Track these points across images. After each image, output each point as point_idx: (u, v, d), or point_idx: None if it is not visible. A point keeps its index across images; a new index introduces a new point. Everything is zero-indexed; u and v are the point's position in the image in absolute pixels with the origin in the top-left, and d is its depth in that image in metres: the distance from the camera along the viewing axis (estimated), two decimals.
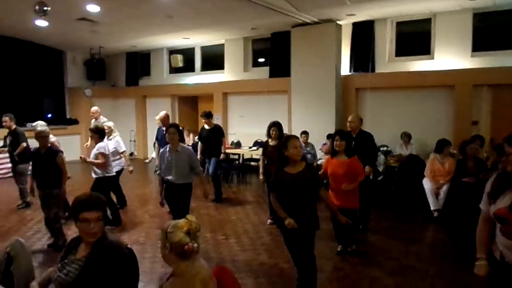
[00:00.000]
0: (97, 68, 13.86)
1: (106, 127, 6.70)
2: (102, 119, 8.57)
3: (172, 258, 2.21)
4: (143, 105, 13.94)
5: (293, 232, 3.62)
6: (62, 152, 5.59)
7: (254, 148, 10.02)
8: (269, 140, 6.37)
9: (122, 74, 14.36)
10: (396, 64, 9.21)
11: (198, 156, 7.98)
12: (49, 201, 5.34)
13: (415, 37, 9.27)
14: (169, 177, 5.08)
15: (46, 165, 5.32)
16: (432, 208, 6.60)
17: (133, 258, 2.57)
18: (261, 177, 6.49)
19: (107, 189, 6.16)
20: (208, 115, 7.96)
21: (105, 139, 6.37)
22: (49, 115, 11.83)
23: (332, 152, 5.07)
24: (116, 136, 7.13)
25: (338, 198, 4.82)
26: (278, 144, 5.50)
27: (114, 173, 6.47)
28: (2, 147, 9.31)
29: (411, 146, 8.41)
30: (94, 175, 6.21)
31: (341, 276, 4.54)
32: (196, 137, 11.18)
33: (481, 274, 2.53)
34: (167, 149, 5.13)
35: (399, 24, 9.29)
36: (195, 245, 2.20)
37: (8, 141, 7.60)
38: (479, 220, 2.67)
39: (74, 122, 13.52)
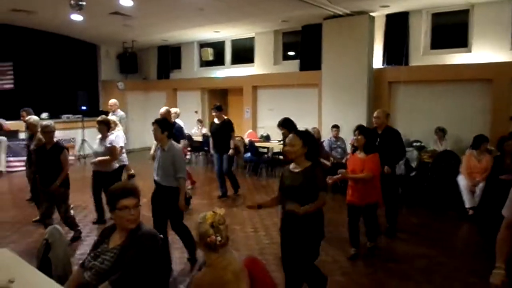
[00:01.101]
0: (130, 62, 14.13)
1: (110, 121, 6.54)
2: (119, 112, 8.67)
3: (203, 249, 2.23)
4: (174, 98, 14.10)
5: (287, 237, 3.44)
6: (67, 149, 5.41)
7: (283, 141, 9.96)
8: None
9: (153, 68, 14.58)
10: (431, 57, 8.93)
11: (211, 151, 7.94)
12: (55, 199, 5.20)
13: (451, 29, 8.95)
14: (155, 177, 4.68)
15: (51, 161, 5.16)
16: (467, 206, 6.41)
17: (166, 247, 2.61)
18: None
19: (110, 183, 5.73)
20: (219, 108, 7.54)
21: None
22: (84, 107, 12.12)
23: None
24: (120, 131, 6.79)
25: (356, 195, 4.70)
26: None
27: (117, 167, 6.21)
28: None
29: (446, 141, 8.17)
30: (98, 169, 6.02)
31: (371, 272, 4.48)
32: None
33: (496, 283, 2.36)
34: (158, 146, 4.77)
35: (435, 16, 8.98)
36: (218, 238, 2.20)
37: (27, 135, 7.55)
38: (501, 227, 2.45)
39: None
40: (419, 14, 8.97)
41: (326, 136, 8.90)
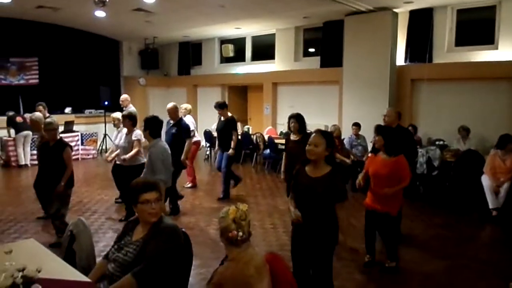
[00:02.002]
0: (151, 58, 14.26)
1: (113, 119, 6.83)
2: (131, 107, 8.63)
3: (225, 243, 2.25)
4: (194, 94, 14.19)
5: (300, 241, 3.24)
6: (70, 146, 5.29)
7: (285, 144, 9.87)
8: (291, 134, 5.72)
9: (174, 64, 14.69)
10: (455, 54, 8.75)
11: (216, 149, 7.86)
12: (52, 195, 5.02)
13: (477, 25, 8.76)
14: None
15: (54, 158, 5.06)
16: (490, 207, 6.27)
17: (187, 241, 2.64)
18: (282, 176, 5.96)
19: (133, 177, 5.81)
20: (222, 106, 7.32)
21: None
22: (106, 103, 12.31)
23: (373, 149, 4.56)
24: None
25: (376, 201, 4.33)
26: (301, 138, 5.38)
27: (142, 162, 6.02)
28: (62, 132, 9.84)
29: (469, 140, 8.00)
30: (123, 163, 6.05)
31: (392, 272, 4.42)
32: (245, 127, 11.33)
33: None
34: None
35: (460, 12, 8.80)
36: (240, 233, 2.21)
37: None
38: None
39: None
40: (443, 10, 8.80)
41: (346, 133, 8.83)
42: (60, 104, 12.13)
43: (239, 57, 12.89)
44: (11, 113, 10.39)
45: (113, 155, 6.54)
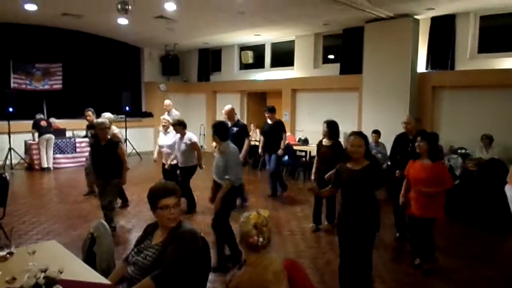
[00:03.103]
0: (172, 64, 14.46)
1: (163, 121, 7.21)
2: (174, 112, 8.92)
3: (244, 248, 2.25)
4: (213, 100, 14.29)
5: (347, 228, 3.70)
6: (122, 142, 5.82)
7: (317, 148, 9.86)
8: (323, 139, 6.06)
9: (194, 70, 14.85)
10: (478, 61, 8.60)
11: (259, 151, 8.20)
12: (106, 188, 5.53)
13: (500, 32, 8.60)
14: (213, 175, 4.93)
15: (107, 156, 5.45)
16: None
17: (205, 246, 2.65)
18: (312, 177, 6.22)
19: (189, 177, 6.68)
20: (271, 110, 7.87)
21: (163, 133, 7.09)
22: (127, 108, 12.50)
23: (413, 155, 4.60)
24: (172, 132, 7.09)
25: (417, 206, 4.43)
26: (332, 144, 5.88)
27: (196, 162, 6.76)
28: (84, 136, 10.04)
29: (492, 149, 7.82)
30: (180, 164, 6.66)
31: (410, 281, 4.35)
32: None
33: None
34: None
35: (483, 18, 8.66)
36: (260, 239, 2.21)
37: (90, 133, 7.95)
38: None
39: (149, 115, 14.22)
40: (466, 16, 8.68)
41: None
42: (82, 109, 12.28)
43: (258, 63, 12.95)
44: (38, 116, 10.66)
45: (155, 155, 7.66)
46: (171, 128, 7.01)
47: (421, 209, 4.40)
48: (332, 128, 5.92)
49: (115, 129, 6.60)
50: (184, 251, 2.51)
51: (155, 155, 7.75)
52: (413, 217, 4.55)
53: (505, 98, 8.22)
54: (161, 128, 7.34)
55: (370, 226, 3.64)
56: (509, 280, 4.40)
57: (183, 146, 6.53)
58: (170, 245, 2.52)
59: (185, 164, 6.63)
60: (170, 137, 7.02)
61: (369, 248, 3.71)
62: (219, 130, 4.77)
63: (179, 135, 6.65)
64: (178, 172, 6.81)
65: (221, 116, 13.36)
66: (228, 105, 7.57)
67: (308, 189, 3.96)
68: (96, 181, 5.72)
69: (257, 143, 10.97)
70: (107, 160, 5.45)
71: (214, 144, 5.04)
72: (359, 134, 3.71)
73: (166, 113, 8.89)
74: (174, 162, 6.88)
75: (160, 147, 7.16)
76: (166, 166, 6.99)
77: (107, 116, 7.41)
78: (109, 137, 5.61)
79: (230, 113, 7.40)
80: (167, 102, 9.22)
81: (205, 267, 2.69)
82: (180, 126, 6.59)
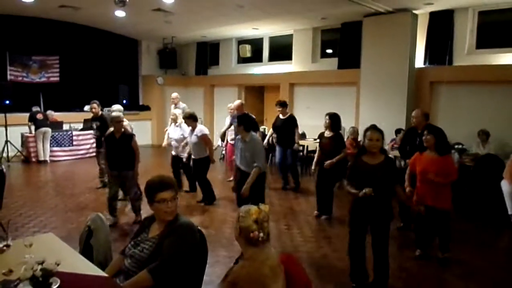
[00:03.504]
0: (169, 57, 14.41)
1: (172, 114, 7.53)
2: (181, 105, 9.02)
3: (242, 242, 2.25)
4: (211, 94, 14.27)
5: (364, 220, 3.82)
6: (135, 135, 5.95)
7: (319, 140, 9.88)
8: (325, 131, 6.26)
9: (192, 64, 14.80)
10: (476, 57, 8.61)
11: (264, 142, 8.17)
12: (126, 183, 5.85)
13: (499, 27, 8.60)
14: (239, 165, 5.33)
15: (122, 148, 5.67)
16: (510, 212, 6.13)
17: (203, 240, 2.66)
18: (313, 167, 6.57)
19: (205, 169, 6.81)
20: (283, 104, 7.93)
21: (173, 125, 7.29)
22: (124, 101, 12.46)
23: (420, 148, 4.72)
24: (183, 125, 7.35)
25: (426, 198, 4.52)
26: (333, 135, 6.11)
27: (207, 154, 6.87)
28: (88, 128, 10.00)
29: (489, 145, 7.85)
30: (193, 156, 6.80)
31: (405, 277, 4.37)
32: (261, 127, 11.31)
33: None
34: (238, 137, 5.39)
35: (482, 14, 8.65)
36: (261, 234, 2.21)
37: (95, 125, 7.90)
38: None
39: (146, 108, 14.19)
40: (465, 12, 8.67)
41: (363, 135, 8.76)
42: (79, 102, 12.33)
43: (256, 57, 12.92)
44: (34, 109, 10.61)
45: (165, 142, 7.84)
46: (180, 121, 7.26)
47: (432, 201, 4.48)
48: (334, 120, 6.12)
49: (125, 121, 6.61)
50: (181, 244, 2.51)
51: (165, 142, 7.94)
52: (428, 207, 4.53)
53: (502, 93, 8.25)
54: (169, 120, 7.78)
55: (388, 216, 3.80)
56: (504, 275, 4.43)
57: (194, 139, 6.66)
58: (167, 238, 2.52)
59: (198, 156, 6.75)
60: (178, 131, 7.29)
61: (387, 237, 3.83)
62: (244, 121, 5.19)
63: (190, 128, 6.80)
64: (191, 164, 7.02)
65: (219, 110, 13.40)
66: (237, 100, 8.27)
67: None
68: (109, 172, 5.87)
69: None
70: (122, 152, 5.66)
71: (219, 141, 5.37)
72: (376, 129, 3.78)
73: (173, 105, 9.05)
74: (184, 155, 7.22)
75: (170, 138, 7.50)
76: (184, 160, 7.24)
77: (116, 108, 7.56)
78: (123, 130, 5.80)
79: (240, 108, 7.97)
80: (174, 94, 9.31)
81: (202, 260, 2.70)
82: (190, 119, 6.71)
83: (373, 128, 3.79)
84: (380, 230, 3.79)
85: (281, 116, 7.93)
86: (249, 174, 5.05)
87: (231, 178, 8.11)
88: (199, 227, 2.74)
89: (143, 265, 2.48)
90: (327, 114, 6.20)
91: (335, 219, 6.21)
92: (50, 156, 10.61)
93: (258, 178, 5.02)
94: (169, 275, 2.44)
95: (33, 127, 10.35)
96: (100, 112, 7.97)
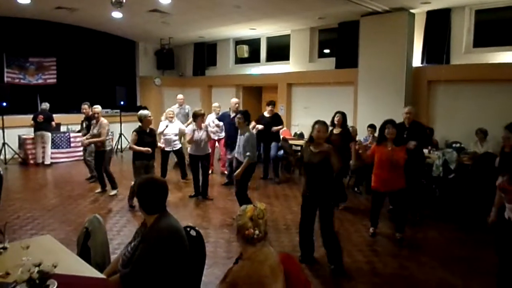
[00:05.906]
0: (167, 58, 14.38)
1: (170, 112, 8.40)
2: (186, 106, 9.83)
3: (240, 241, 2.24)
4: (209, 94, 14.25)
5: (308, 201, 4.49)
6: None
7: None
8: (334, 128, 6.68)
9: (189, 64, 14.78)
10: (473, 56, 8.61)
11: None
12: (149, 170, 6.52)
13: (496, 26, 8.60)
14: (237, 156, 6.15)
15: (152, 140, 6.59)
16: None
17: (200, 240, 2.63)
18: None
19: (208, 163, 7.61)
20: (274, 103, 8.97)
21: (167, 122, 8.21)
22: (122, 102, 12.43)
23: (378, 140, 5.38)
24: (176, 121, 8.48)
25: (383, 184, 5.20)
26: (341, 132, 6.66)
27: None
28: (78, 131, 10.03)
29: (487, 143, 7.86)
30: (200, 153, 7.23)
31: (406, 275, 4.37)
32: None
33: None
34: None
35: (478, 13, 8.65)
36: (256, 231, 2.20)
37: (84, 125, 8.27)
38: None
39: (144, 109, 14.08)
40: (461, 10, 8.67)
41: (361, 134, 8.75)
42: (77, 104, 12.24)
43: (254, 58, 12.91)
44: (41, 107, 10.74)
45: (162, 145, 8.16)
46: (175, 118, 8.41)
47: (389, 186, 5.19)
48: (344, 117, 6.80)
49: (104, 120, 7.53)
50: (152, 252, 2.40)
51: (161, 142, 8.20)
52: (376, 191, 5.37)
53: (500, 92, 8.25)
54: (163, 118, 8.45)
55: (329, 199, 4.44)
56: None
57: (204, 135, 7.16)
58: (141, 244, 2.46)
59: (204, 152, 7.26)
60: (174, 126, 8.20)
61: (331, 215, 4.47)
62: (246, 115, 6.00)
63: (194, 125, 7.28)
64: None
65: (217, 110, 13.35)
66: (233, 99, 9.03)
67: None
68: (141, 163, 6.44)
69: None
70: (152, 143, 6.55)
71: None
72: (324, 123, 4.44)
73: (178, 105, 9.71)
74: (177, 147, 8.21)
75: (163, 135, 8.12)
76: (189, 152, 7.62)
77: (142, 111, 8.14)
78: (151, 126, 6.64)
79: (235, 106, 8.64)
80: (180, 96, 10.00)
81: (198, 262, 2.66)
82: (201, 116, 7.25)
83: (321, 122, 4.42)
84: (324, 209, 4.41)
85: (266, 114, 8.78)
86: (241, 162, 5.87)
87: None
88: (196, 228, 2.71)
89: (125, 267, 2.46)
90: (338, 112, 6.80)
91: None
92: (52, 158, 10.58)
93: (249, 167, 5.80)
94: (140, 282, 2.37)
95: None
96: (90, 113, 8.13)
